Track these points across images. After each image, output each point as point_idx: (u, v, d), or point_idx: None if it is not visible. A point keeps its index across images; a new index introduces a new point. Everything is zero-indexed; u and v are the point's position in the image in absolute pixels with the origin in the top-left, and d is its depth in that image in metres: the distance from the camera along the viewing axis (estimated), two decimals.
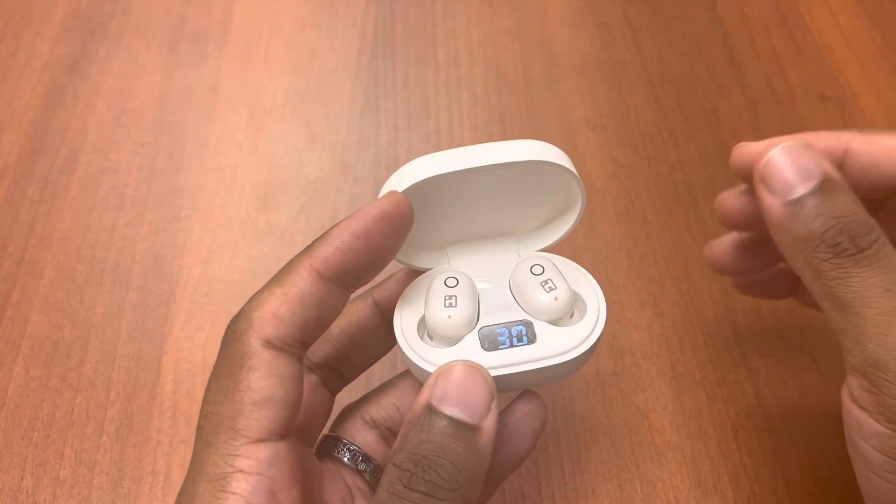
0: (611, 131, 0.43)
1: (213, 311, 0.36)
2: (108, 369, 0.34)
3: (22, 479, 0.31)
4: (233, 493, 0.19)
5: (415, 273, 0.26)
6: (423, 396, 0.21)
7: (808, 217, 0.22)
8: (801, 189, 0.22)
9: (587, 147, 0.42)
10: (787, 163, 0.23)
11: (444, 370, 0.22)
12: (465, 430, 0.20)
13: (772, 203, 0.23)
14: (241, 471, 0.20)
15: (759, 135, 0.42)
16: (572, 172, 0.24)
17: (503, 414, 0.24)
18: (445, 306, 0.23)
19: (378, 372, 0.33)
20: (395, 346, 0.27)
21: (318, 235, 0.23)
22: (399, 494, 0.20)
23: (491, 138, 0.42)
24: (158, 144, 0.42)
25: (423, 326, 0.24)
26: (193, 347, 0.34)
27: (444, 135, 0.42)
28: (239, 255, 0.38)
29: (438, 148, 0.42)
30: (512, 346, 0.23)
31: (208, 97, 0.44)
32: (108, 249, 0.38)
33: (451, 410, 0.21)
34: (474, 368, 0.22)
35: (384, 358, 0.31)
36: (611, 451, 0.32)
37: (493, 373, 0.22)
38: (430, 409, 0.21)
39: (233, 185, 0.40)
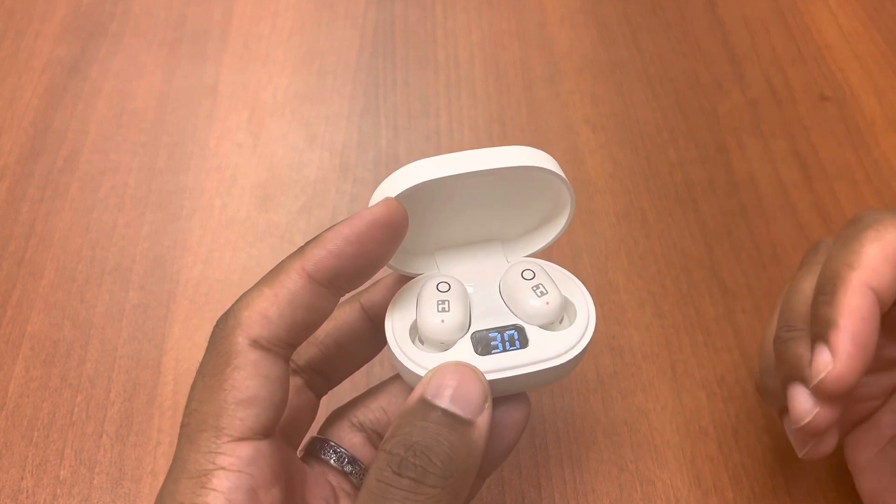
0: (611, 131, 0.43)
1: (213, 311, 0.36)
2: (109, 369, 0.34)
3: (22, 479, 0.31)
4: (213, 489, 0.19)
5: (403, 278, 0.26)
6: (417, 392, 0.21)
7: None
8: None
9: (587, 147, 0.42)
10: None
11: (439, 369, 0.22)
12: (458, 422, 0.20)
13: None
14: (222, 468, 0.20)
15: (759, 135, 0.42)
16: (563, 179, 0.24)
17: None
18: (438, 311, 0.23)
19: (378, 373, 0.33)
20: (381, 352, 0.27)
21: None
22: (387, 481, 0.19)
23: (491, 138, 0.42)
24: (158, 144, 0.42)
25: (414, 331, 0.24)
26: (193, 347, 0.34)
27: (444, 135, 0.42)
28: (239, 255, 0.38)
29: (438, 148, 0.42)
30: (505, 350, 0.23)
31: (208, 97, 0.44)
32: (108, 249, 0.38)
33: (445, 404, 0.21)
34: (469, 367, 0.22)
35: (385, 359, 0.31)
36: (611, 451, 0.32)
37: (487, 376, 0.22)
38: (424, 402, 0.21)
39: (233, 185, 0.40)
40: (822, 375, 0.22)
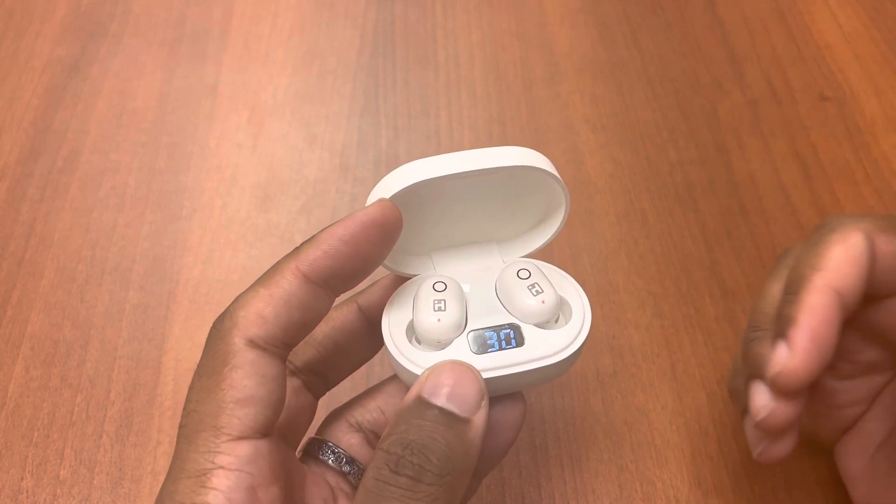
0: (611, 131, 0.43)
1: (213, 311, 0.36)
2: (109, 369, 0.34)
3: (22, 479, 0.31)
4: (213, 488, 0.19)
5: (400, 279, 0.26)
6: (414, 391, 0.21)
7: None
8: None
9: (587, 147, 0.42)
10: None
11: (436, 367, 0.22)
12: (455, 420, 0.21)
13: None
14: (221, 467, 0.20)
15: (759, 135, 0.42)
16: (557, 178, 0.24)
17: None
18: (434, 310, 0.24)
19: (378, 373, 0.33)
20: (381, 352, 0.27)
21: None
22: (385, 479, 0.20)
23: (491, 138, 0.42)
24: (158, 144, 0.42)
25: (411, 331, 0.24)
26: (193, 347, 0.34)
27: (443, 135, 0.43)
28: (239, 255, 0.38)
29: (438, 148, 0.42)
30: (501, 348, 0.23)
31: (208, 97, 0.44)
32: (108, 249, 0.38)
33: (441, 402, 0.21)
34: (465, 366, 0.22)
35: (386, 359, 0.31)
36: (611, 451, 0.32)
37: (484, 375, 0.22)
38: (421, 401, 0.21)
39: (233, 185, 0.40)
40: (777, 369, 0.23)
